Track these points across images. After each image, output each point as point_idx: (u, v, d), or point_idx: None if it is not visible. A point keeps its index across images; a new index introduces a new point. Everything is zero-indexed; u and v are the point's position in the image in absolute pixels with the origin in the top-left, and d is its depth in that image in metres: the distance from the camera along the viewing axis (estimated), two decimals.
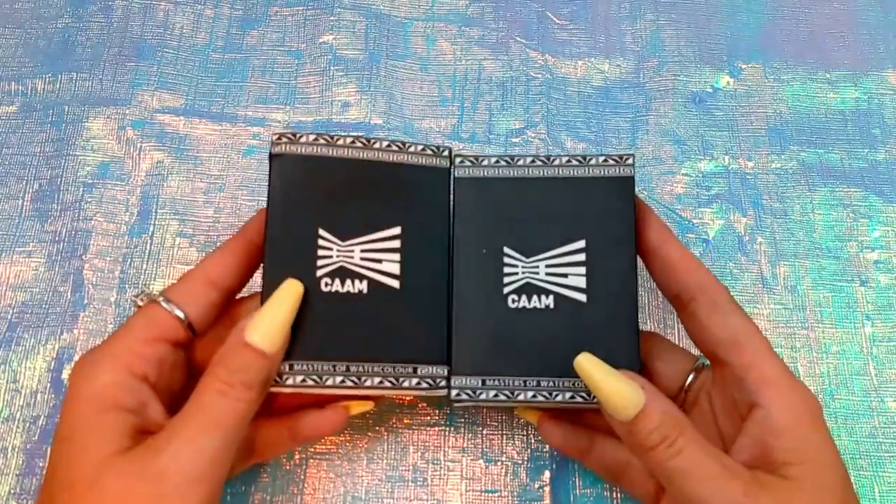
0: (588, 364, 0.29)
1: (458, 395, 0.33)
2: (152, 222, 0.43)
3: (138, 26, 0.48)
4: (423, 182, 0.35)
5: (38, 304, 0.41)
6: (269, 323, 0.30)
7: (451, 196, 0.35)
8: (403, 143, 0.35)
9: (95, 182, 0.44)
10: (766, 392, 0.30)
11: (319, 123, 0.46)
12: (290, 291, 0.31)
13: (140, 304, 0.32)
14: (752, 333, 0.31)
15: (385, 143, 0.35)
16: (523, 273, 0.34)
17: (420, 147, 0.35)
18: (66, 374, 0.40)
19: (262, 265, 0.33)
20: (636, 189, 0.34)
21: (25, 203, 0.44)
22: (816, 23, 0.49)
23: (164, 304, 0.31)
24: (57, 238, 0.43)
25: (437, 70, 0.48)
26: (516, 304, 0.33)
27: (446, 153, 0.35)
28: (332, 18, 0.49)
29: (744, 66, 0.48)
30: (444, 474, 0.38)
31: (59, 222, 0.43)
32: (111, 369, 0.29)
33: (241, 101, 0.46)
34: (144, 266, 0.42)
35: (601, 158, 0.34)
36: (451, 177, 0.35)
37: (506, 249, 0.34)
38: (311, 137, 0.34)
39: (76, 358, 0.40)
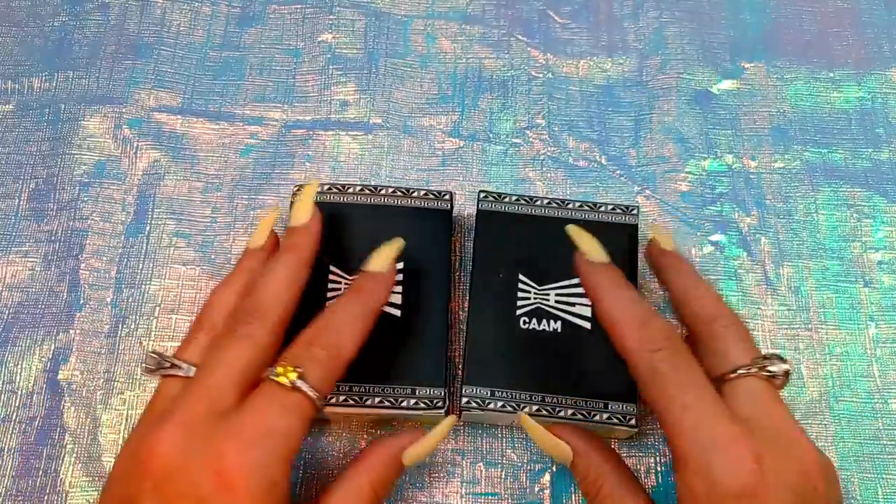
0: (526, 424, 0.34)
1: (467, 402, 0.35)
2: (149, 222, 0.43)
3: (135, 24, 0.48)
4: (426, 223, 0.38)
5: (34, 304, 0.41)
6: (426, 451, 0.33)
7: (452, 234, 0.39)
8: (407, 190, 0.38)
9: (92, 181, 0.44)
10: (678, 468, 0.29)
11: (318, 122, 0.45)
12: (447, 427, 0.33)
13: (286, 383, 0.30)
14: (699, 397, 0.29)
15: (390, 190, 0.38)
16: (535, 298, 0.37)
17: (423, 192, 0.39)
18: (61, 375, 0.40)
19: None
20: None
21: (22, 202, 0.43)
22: (820, 21, 0.49)
23: (306, 390, 0.30)
24: (53, 238, 0.42)
25: (437, 68, 0.47)
26: (527, 325, 0.37)
27: (447, 197, 0.39)
28: (330, 17, 0.48)
29: (747, 65, 0.47)
30: (444, 477, 0.38)
31: (56, 222, 0.43)
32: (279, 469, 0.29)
33: (239, 99, 0.46)
34: (141, 266, 0.42)
35: (610, 207, 0.39)
36: (452, 217, 0.39)
37: (521, 276, 0.37)
38: (325, 187, 0.38)
39: (72, 358, 0.40)
